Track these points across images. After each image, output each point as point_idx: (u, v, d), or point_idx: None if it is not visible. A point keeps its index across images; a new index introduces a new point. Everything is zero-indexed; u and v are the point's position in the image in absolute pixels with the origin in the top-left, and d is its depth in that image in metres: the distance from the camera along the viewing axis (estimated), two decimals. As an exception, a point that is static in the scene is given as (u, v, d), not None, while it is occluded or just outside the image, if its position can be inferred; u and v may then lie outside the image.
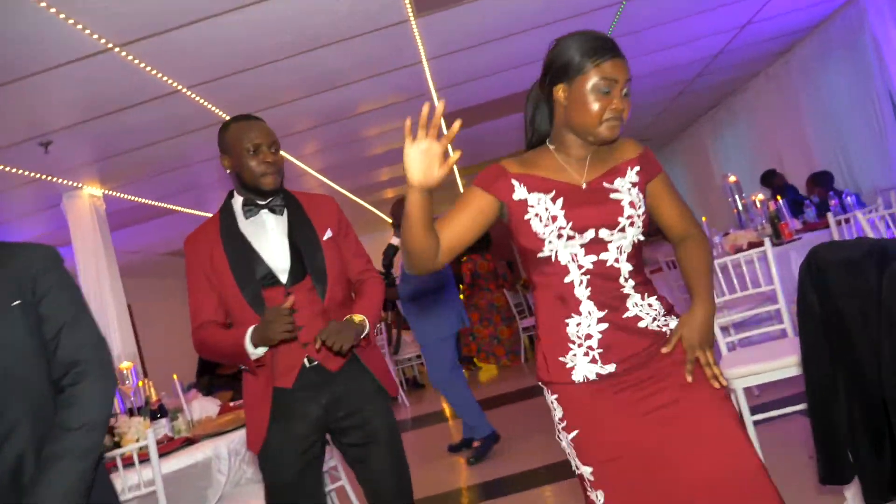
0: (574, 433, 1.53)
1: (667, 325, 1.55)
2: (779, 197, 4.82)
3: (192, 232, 2.11)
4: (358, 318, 1.99)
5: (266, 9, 3.22)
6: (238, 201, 2.07)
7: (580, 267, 1.51)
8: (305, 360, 2.00)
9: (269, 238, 2.03)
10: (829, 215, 3.77)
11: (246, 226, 2.04)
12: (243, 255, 1.99)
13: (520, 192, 1.53)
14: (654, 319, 1.53)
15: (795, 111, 6.82)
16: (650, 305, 1.54)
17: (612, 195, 1.53)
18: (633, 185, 1.55)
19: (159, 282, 8.90)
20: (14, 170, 4.37)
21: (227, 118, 2.13)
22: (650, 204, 1.60)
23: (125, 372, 3.65)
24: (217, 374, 4.73)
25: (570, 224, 1.49)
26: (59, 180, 4.77)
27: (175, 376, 3.70)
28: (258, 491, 2.39)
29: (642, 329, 1.51)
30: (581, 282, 1.51)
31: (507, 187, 1.54)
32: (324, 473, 2.41)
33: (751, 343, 3.57)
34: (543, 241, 1.51)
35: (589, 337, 1.50)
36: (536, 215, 1.51)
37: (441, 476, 4.15)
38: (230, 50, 3.56)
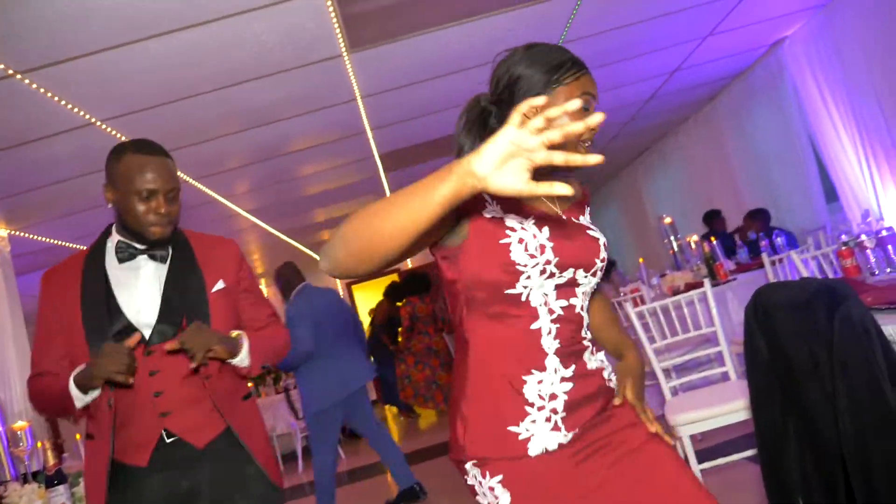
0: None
1: (603, 367, 1.37)
2: (713, 238, 4.87)
3: (52, 266, 1.78)
4: (235, 333, 1.69)
5: (186, 38, 3.03)
6: (113, 241, 1.75)
7: (551, 312, 1.26)
8: (164, 433, 1.66)
9: (139, 287, 1.71)
10: (764, 256, 3.80)
11: (115, 269, 1.72)
12: (100, 304, 1.67)
13: (492, 210, 1.24)
14: (609, 376, 1.36)
15: (724, 154, 7.04)
16: (601, 360, 1.36)
17: (590, 232, 1.34)
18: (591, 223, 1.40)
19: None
20: None
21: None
22: None
23: (19, 433, 3.28)
24: None
25: (557, 259, 1.24)
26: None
27: (78, 436, 3.33)
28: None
29: (603, 386, 1.33)
30: (550, 330, 1.25)
31: (476, 199, 1.21)
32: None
33: (693, 387, 3.50)
34: (521, 273, 1.22)
35: (553, 398, 1.24)
36: (521, 241, 1.22)
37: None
38: (147, 80, 3.33)
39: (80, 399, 1.60)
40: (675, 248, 4.98)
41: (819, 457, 1.77)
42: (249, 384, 1.74)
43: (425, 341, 7.18)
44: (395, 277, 9.70)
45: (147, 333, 1.68)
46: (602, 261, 1.33)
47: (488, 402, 1.25)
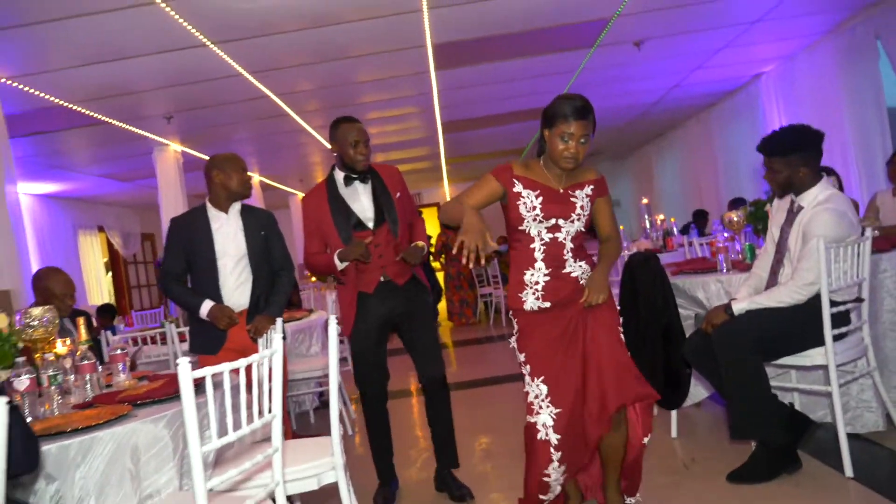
0: (518, 337, 2.36)
1: (585, 275, 2.33)
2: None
3: (306, 194, 2.99)
4: (420, 244, 2.91)
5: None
6: (340, 175, 2.88)
7: (542, 240, 2.29)
8: (381, 276, 2.88)
9: (359, 198, 2.87)
10: (674, 239, 5.66)
11: (343, 190, 2.87)
12: (341, 210, 2.84)
13: (517, 187, 2.29)
14: (582, 276, 2.33)
15: (711, 153, 8.78)
16: (580, 267, 2.33)
17: (572, 199, 2.31)
18: (587, 196, 2.33)
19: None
20: (136, 129, 6.00)
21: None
22: (593, 212, 2.38)
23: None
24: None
25: (542, 214, 2.27)
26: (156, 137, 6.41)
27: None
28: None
29: (567, 278, 2.30)
30: (540, 249, 2.29)
31: (509, 181, 2.29)
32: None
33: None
34: (523, 220, 2.28)
35: (537, 283, 2.29)
36: (524, 203, 2.27)
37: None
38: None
39: (340, 265, 2.81)
40: (647, 224, 6.82)
41: (647, 343, 3.64)
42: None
43: (458, 266, 9.13)
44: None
45: (370, 224, 2.85)
46: (577, 216, 2.29)
47: (513, 280, 2.36)
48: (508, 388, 4.94)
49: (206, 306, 2.85)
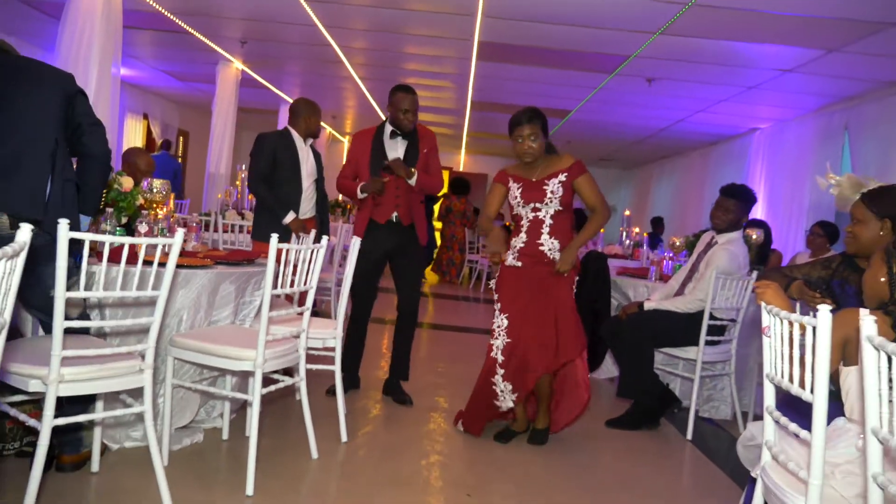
0: (497, 282, 3.19)
1: (555, 252, 3.07)
2: (647, 234, 7.70)
3: (357, 132, 3.72)
4: (412, 170, 3.50)
5: None
6: (388, 129, 3.58)
7: (528, 220, 3.09)
8: (394, 214, 3.58)
9: (396, 150, 3.56)
10: (640, 250, 6.66)
11: (387, 141, 3.58)
12: (378, 154, 3.55)
13: (510, 182, 3.14)
14: (550, 250, 3.07)
15: (701, 185, 9.71)
16: (552, 243, 3.07)
17: (544, 187, 3.05)
18: (559, 183, 3.02)
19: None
20: (212, 44, 6.87)
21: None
22: (577, 191, 3.07)
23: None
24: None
25: (521, 200, 3.10)
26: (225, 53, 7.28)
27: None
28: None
29: (536, 251, 3.08)
30: (525, 224, 3.10)
31: (505, 179, 3.17)
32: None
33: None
34: (514, 205, 3.13)
35: (516, 248, 3.12)
36: (513, 194, 3.11)
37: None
38: None
39: (360, 195, 3.57)
40: (624, 234, 7.79)
41: (582, 316, 4.65)
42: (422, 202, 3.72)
43: (451, 229, 10.07)
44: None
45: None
46: (549, 199, 3.04)
47: (509, 244, 3.19)
48: (471, 338, 5.94)
49: (291, 216, 3.77)
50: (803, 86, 6.09)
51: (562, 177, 3.05)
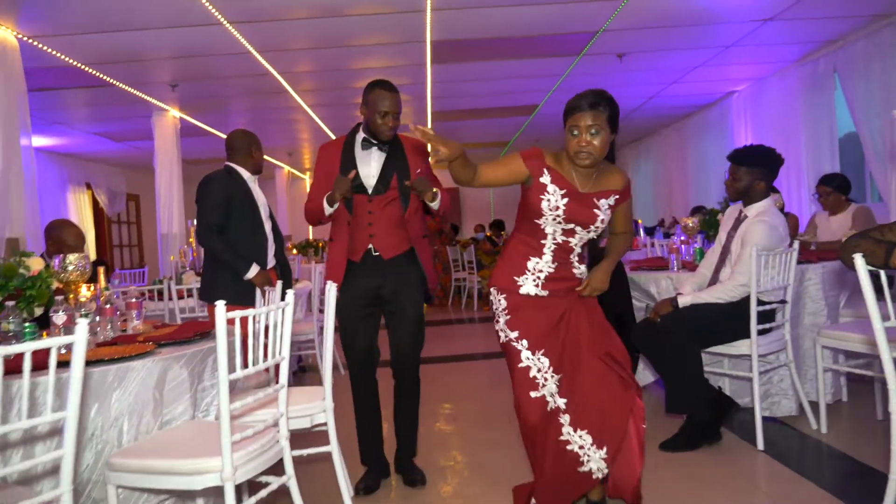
0: (509, 316, 2.29)
1: (583, 276, 2.34)
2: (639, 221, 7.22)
3: (324, 144, 2.91)
4: (435, 190, 2.70)
5: None
6: (359, 137, 2.78)
7: (554, 239, 2.25)
8: (369, 245, 2.77)
9: (370, 164, 2.76)
10: (638, 239, 6.16)
11: (359, 151, 2.77)
12: (348, 169, 2.72)
13: (545, 178, 2.21)
14: (579, 274, 2.32)
15: (683, 161, 9.27)
16: (579, 268, 2.31)
17: (595, 209, 2.23)
18: (609, 206, 2.26)
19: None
20: (140, 94, 6.25)
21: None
22: (613, 212, 2.30)
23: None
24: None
25: (564, 216, 2.21)
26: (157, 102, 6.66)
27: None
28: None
29: (571, 276, 2.30)
30: (549, 245, 2.26)
31: (539, 169, 2.21)
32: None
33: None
34: (542, 215, 2.22)
35: (540, 272, 2.27)
36: (548, 200, 2.20)
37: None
38: None
39: (328, 209, 2.73)
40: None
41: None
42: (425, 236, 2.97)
43: (433, 249, 9.54)
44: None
45: (369, 190, 2.74)
46: (596, 228, 2.24)
47: (509, 262, 2.33)
48: (475, 366, 5.35)
49: (255, 270, 3.15)
50: (785, 35, 5.66)
51: (612, 199, 2.28)
